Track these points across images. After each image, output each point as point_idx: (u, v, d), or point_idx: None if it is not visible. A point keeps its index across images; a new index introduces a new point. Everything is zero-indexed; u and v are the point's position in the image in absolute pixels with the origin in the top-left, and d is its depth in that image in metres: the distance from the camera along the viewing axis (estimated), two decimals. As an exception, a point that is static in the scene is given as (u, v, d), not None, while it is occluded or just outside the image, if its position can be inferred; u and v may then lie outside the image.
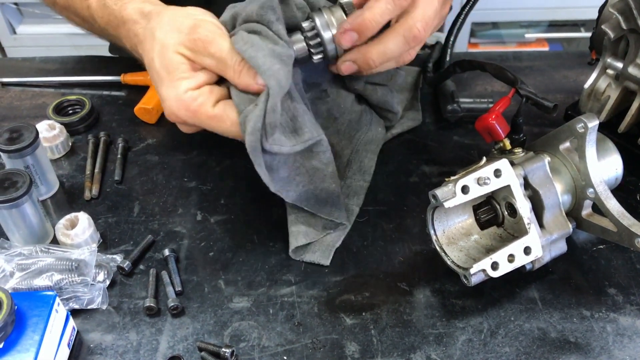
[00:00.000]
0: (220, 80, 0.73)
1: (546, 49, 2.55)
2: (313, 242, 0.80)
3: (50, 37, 2.47)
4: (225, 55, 0.70)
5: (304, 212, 0.79)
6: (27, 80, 1.08)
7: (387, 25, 0.73)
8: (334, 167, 0.77)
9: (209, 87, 0.72)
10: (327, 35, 0.72)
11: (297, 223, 0.79)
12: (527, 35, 2.61)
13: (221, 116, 0.70)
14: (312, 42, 0.73)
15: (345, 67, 0.75)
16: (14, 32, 2.51)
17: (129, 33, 0.78)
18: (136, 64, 0.91)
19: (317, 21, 0.72)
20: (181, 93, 0.70)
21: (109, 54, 1.29)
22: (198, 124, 0.72)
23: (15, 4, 2.47)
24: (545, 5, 2.44)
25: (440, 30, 0.84)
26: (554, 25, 2.62)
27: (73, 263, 0.75)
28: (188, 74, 0.71)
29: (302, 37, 0.73)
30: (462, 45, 2.48)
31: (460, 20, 1.01)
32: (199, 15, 0.74)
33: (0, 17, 2.42)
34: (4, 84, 1.08)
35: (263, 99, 0.67)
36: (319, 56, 0.74)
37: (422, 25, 0.71)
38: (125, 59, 1.00)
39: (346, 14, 0.72)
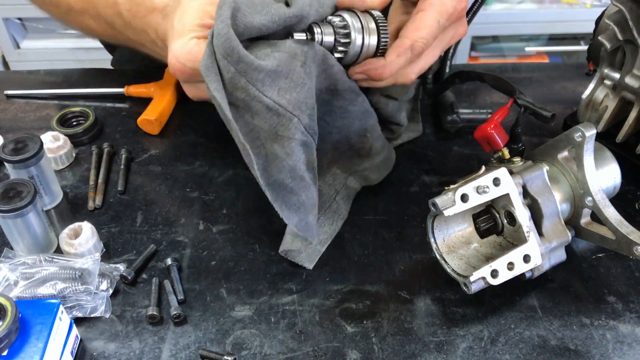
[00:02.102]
0: None
1: (546, 62, 2.57)
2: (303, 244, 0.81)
3: (54, 51, 2.50)
4: None
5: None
6: (32, 93, 1.09)
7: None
8: (302, 169, 0.72)
9: None
10: (358, 39, 0.72)
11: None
12: (527, 49, 2.62)
13: None
14: (341, 40, 0.72)
15: (358, 77, 0.76)
16: (18, 47, 2.53)
17: (157, 18, 0.78)
18: (139, 76, 0.92)
19: (350, 22, 0.71)
20: (187, 40, 0.71)
21: (111, 68, 1.30)
22: (196, 69, 0.70)
23: (20, 19, 2.50)
24: (545, 19, 2.46)
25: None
26: (554, 39, 2.64)
27: (77, 272, 0.75)
28: (199, 28, 0.71)
29: (333, 31, 0.72)
30: (462, 58, 2.50)
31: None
32: None
33: (4, 32, 2.44)
34: (9, 96, 1.09)
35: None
36: (340, 55, 0.73)
37: (416, 75, 0.77)
38: (128, 71, 1.01)
39: (377, 26, 0.72)
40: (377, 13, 0.73)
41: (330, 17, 0.73)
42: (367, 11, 0.73)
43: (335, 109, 0.78)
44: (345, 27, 0.72)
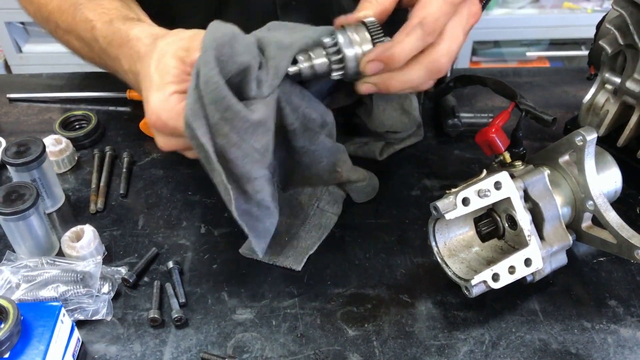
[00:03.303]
0: None
1: (547, 66, 2.57)
2: (287, 246, 0.81)
3: (56, 55, 2.50)
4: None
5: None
6: (34, 96, 1.10)
7: None
8: (268, 200, 0.73)
9: None
10: (349, 52, 0.71)
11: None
12: (528, 54, 2.63)
13: None
14: (333, 58, 0.71)
15: (366, 88, 0.74)
16: (20, 51, 2.54)
17: (130, 50, 0.78)
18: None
19: (340, 38, 0.71)
20: (167, 95, 0.70)
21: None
22: (178, 127, 0.70)
23: (22, 23, 2.51)
24: (546, 24, 2.46)
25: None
26: (555, 44, 2.65)
27: (78, 275, 0.76)
28: (177, 78, 0.70)
29: (324, 52, 0.71)
30: (463, 63, 2.50)
31: (460, 36, 1.02)
32: (202, 31, 0.74)
33: (6, 36, 2.45)
34: (12, 100, 1.10)
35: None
36: (339, 73, 0.72)
37: (446, 60, 0.71)
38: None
39: (370, 34, 0.71)
40: (370, 20, 0.72)
41: (323, 39, 0.72)
42: (361, 22, 0.72)
43: (297, 150, 0.77)
44: (335, 44, 0.71)
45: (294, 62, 0.71)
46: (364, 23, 0.71)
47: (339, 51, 0.71)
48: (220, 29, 0.67)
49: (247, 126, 0.67)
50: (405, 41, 0.70)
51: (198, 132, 0.65)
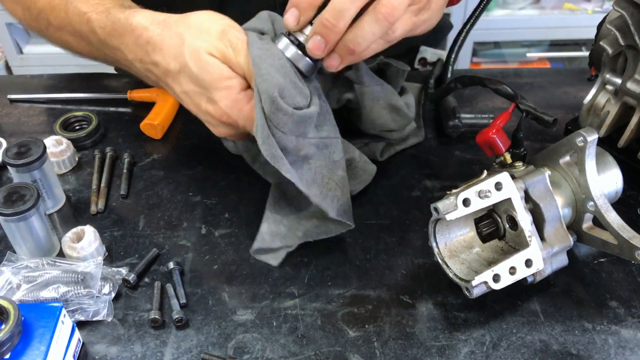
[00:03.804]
0: None
1: (548, 67, 2.57)
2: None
3: (57, 56, 2.49)
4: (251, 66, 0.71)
5: (288, 212, 0.83)
6: (35, 97, 1.10)
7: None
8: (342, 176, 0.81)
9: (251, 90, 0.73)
10: (302, 38, 0.72)
11: (278, 223, 0.82)
12: (528, 55, 2.63)
13: None
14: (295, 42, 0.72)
15: (330, 61, 0.72)
16: (21, 52, 2.54)
17: (138, 40, 0.77)
18: (142, 81, 0.93)
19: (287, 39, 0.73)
20: (234, 93, 0.72)
21: (115, 72, 1.30)
22: (248, 125, 0.74)
23: (23, 24, 2.51)
24: (547, 25, 2.46)
25: (443, 47, 0.85)
26: (555, 45, 2.65)
27: (79, 275, 0.76)
28: (233, 74, 0.72)
29: (289, 41, 0.73)
30: (464, 64, 2.50)
31: (461, 37, 1.02)
32: (225, 19, 0.75)
33: (7, 37, 2.45)
34: (13, 101, 1.10)
35: (258, 106, 0.70)
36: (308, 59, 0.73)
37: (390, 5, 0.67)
38: (131, 76, 1.01)
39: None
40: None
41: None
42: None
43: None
44: (290, 33, 0.73)
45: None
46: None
47: (296, 39, 0.72)
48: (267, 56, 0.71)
49: (304, 127, 0.74)
50: (364, 20, 0.68)
51: (281, 168, 0.73)
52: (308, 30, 0.71)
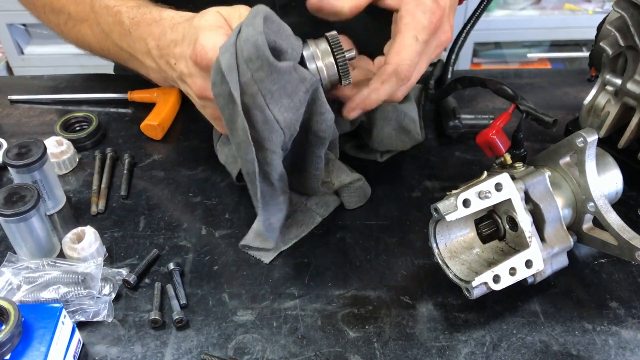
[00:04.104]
0: None
1: (548, 68, 2.57)
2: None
3: (57, 57, 2.51)
4: None
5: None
6: (36, 98, 1.10)
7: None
8: (275, 178, 0.74)
9: None
10: (312, 66, 0.73)
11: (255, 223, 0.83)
12: (529, 55, 2.63)
13: None
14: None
15: (348, 113, 0.78)
16: (22, 53, 2.54)
17: (162, 27, 0.78)
18: (142, 81, 0.93)
19: (304, 52, 0.73)
20: (219, 35, 0.70)
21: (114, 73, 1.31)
22: None
23: (24, 24, 2.51)
24: (547, 26, 2.46)
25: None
26: (556, 45, 2.65)
27: (79, 276, 0.76)
28: (225, 29, 0.71)
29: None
30: (464, 64, 2.50)
31: (461, 38, 1.02)
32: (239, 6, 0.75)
33: (8, 38, 2.46)
34: (13, 102, 1.10)
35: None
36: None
37: (402, 95, 0.77)
38: (131, 77, 1.01)
39: (331, 47, 0.73)
40: (331, 34, 0.74)
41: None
42: (324, 35, 0.74)
43: (307, 155, 0.79)
44: (302, 59, 0.73)
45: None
46: (325, 37, 0.74)
47: (305, 65, 0.73)
48: (269, 10, 0.68)
49: (274, 90, 0.67)
50: (382, 90, 0.75)
51: (231, 85, 0.66)
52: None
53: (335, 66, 0.73)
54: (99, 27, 0.88)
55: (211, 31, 0.71)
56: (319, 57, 0.73)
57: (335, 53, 0.72)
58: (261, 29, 0.65)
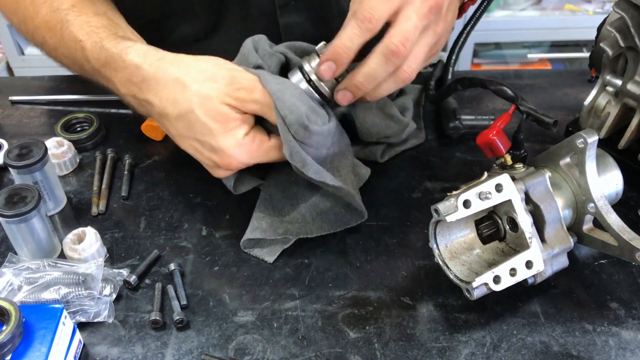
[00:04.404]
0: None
1: (549, 69, 2.57)
2: (266, 239, 0.83)
3: (58, 58, 2.50)
4: (269, 101, 0.74)
5: (271, 212, 0.85)
6: (36, 99, 1.10)
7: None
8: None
9: (256, 126, 0.78)
10: (314, 77, 0.78)
11: (260, 220, 0.84)
12: (529, 56, 2.63)
13: (278, 144, 0.77)
14: (312, 85, 0.79)
15: (340, 96, 0.78)
16: (22, 53, 2.54)
17: (131, 78, 0.78)
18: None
19: (305, 68, 0.78)
20: (240, 139, 0.76)
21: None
22: (257, 160, 0.78)
23: (24, 25, 2.51)
24: (548, 26, 2.46)
25: (443, 49, 0.85)
26: (556, 46, 2.65)
27: (80, 277, 0.76)
28: (239, 121, 0.75)
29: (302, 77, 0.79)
30: (465, 65, 2.50)
31: (462, 38, 1.02)
32: (227, 64, 0.77)
33: (8, 38, 2.45)
34: (14, 102, 1.10)
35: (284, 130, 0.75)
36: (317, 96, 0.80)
37: (398, 40, 0.72)
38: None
39: (318, 55, 0.78)
40: (318, 46, 0.79)
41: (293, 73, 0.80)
42: (314, 50, 0.79)
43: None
44: (304, 73, 0.79)
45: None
46: (314, 50, 0.79)
47: (310, 79, 0.79)
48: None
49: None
50: (343, 32, 0.74)
51: (324, 177, 0.78)
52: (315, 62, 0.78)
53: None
54: (72, 59, 0.87)
55: (228, 137, 0.75)
56: (313, 72, 0.78)
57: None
58: (302, 113, 0.74)
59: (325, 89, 0.79)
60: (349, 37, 0.73)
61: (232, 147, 0.75)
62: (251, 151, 0.77)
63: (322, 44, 0.79)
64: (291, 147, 0.75)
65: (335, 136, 0.82)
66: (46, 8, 0.87)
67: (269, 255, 0.82)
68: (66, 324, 0.69)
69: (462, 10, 0.89)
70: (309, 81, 0.78)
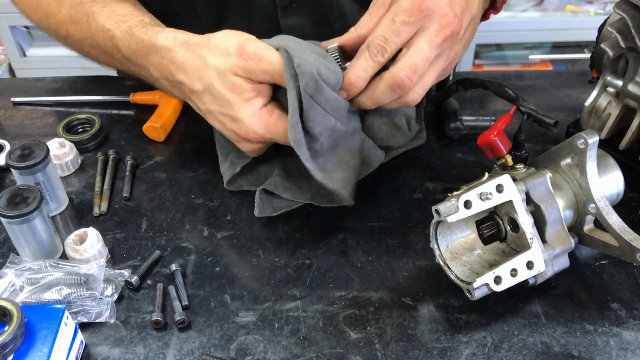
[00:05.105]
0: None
1: (549, 69, 2.57)
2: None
3: (60, 59, 2.51)
4: (278, 67, 0.74)
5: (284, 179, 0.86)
6: (38, 100, 1.10)
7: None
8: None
9: (277, 102, 0.79)
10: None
11: (275, 178, 0.86)
12: (531, 57, 2.63)
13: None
14: None
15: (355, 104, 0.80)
16: (24, 55, 2.55)
17: (162, 60, 0.80)
18: (145, 84, 0.93)
19: None
20: (257, 110, 0.77)
21: (117, 75, 1.31)
22: (275, 136, 0.78)
23: (26, 27, 2.52)
24: (549, 27, 2.46)
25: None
26: (558, 47, 2.65)
27: (82, 277, 0.76)
28: (255, 92, 0.76)
29: None
30: (466, 66, 2.50)
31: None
32: (237, 34, 0.78)
33: (10, 40, 2.46)
34: (16, 104, 1.10)
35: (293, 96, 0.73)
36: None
37: (405, 75, 0.73)
38: (134, 79, 1.02)
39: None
40: (332, 47, 0.80)
41: None
42: (326, 50, 0.80)
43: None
44: None
45: None
46: (327, 51, 0.79)
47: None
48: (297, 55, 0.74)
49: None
50: (356, 65, 0.76)
51: (302, 156, 0.76)
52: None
53: None
54: (99, 48, 0.89)
55: (246, 107, 0.76)
56: None
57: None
58: (315, 66, 0.72)
59: None
60: (363, 69, 0.75)
61: (249, 117, 0.76)
62: (268, 124, 0.77)
63: (334, 45, 0.79)
64: (293, 121, 0.74)
65: (346, 111, 0.80)
66: (69, 2, 0.90)
67: (274, 211, 0.84)
68: (68, 325, 0.69)
69: (484, 17, 0.88)
70: None
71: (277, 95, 0.80)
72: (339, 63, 0.78)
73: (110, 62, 0.91)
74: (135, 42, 0.82)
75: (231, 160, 0.89)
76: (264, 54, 0.74)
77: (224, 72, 0.75)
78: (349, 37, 0.79)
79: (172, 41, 0.79)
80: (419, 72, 0.74)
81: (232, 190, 0.90)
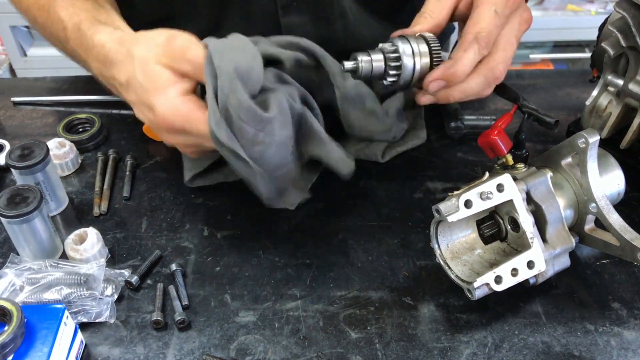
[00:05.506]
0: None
1: (550, 69, 2.57)
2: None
3: (60, 59, 2.47)
4: (202, 61, 0.72)
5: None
6: (38, 100, 1.10)
7: None
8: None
9: (194, 94, 0.76)
10: (408, 62, 0.76)
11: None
12: (532, 56, 2.63)
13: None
14: (392, 64, 0.76)
15: (426, 99, 0.81)
16: (25, 55, 2.55)
17: (98, 56, 0.80)
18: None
19: (401, 47, 0.76)
20: (171, 98, 0.73)
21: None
22: (188, 128, 0.74)
23: (27, 27, 2.52)
24: (550, 26, 2.46)
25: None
26: (559, 46, 2.65)
27: (82, 277, 0.76)
28: (173, 80, 0.74)
29: (383, 57, 0.76)
30: (467, 65, 2.49)
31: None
32: (171, 30, 0.76)
33: (11, 40, 2.46)
34: (16, 103, 1.10)
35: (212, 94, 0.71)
36: (392, 79, 0.78)
37: (503, 67, 0.77)
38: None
39: (429, 47, 0.77)
40: (429, 35, 0.77)
41: (381, 45, 0.77)
42: (421, 35, 0.78)
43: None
44: (396, 51, 0.76)
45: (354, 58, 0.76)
46: (423, 37, 0.77)
47: (398, 58, 0.76)
48: (226, 53, 0.72)
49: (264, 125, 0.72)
50: (465, 57, 0.75)
51: (237, 149, 0.71)
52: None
53: (428, 69, 0.77)
54: (54, 37, 0.89)
55: (159, 96, 0.73)
56: (419, 56, 0.76)
57: (434, 58, 0.76)
58: (244, 92, 0.70)
59: (406, 77, 0.77)
60: (471, 62, 0.76)
61: (162, 105, 0.73)
62: (180, 113, 0.73)
63: (431, 34, 0.78)
64: (215, 119, 0.71)
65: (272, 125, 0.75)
66: None
67: (290, 205, 0.86)
68: (68, 325, 0.69)
69: None
70: (397, 59, 0.76)
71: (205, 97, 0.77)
72: (439, 57, 0.77)
73: (65, 52, 0.91)
74: (80, 36, 0.82)
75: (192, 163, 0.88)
76: (191, 46, 0.73)
77: (147, 61, 0.74)
78: (427, 25, 0.79)
79: (108, 37, 0.79)
80: (509, 63, 0.77)
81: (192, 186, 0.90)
